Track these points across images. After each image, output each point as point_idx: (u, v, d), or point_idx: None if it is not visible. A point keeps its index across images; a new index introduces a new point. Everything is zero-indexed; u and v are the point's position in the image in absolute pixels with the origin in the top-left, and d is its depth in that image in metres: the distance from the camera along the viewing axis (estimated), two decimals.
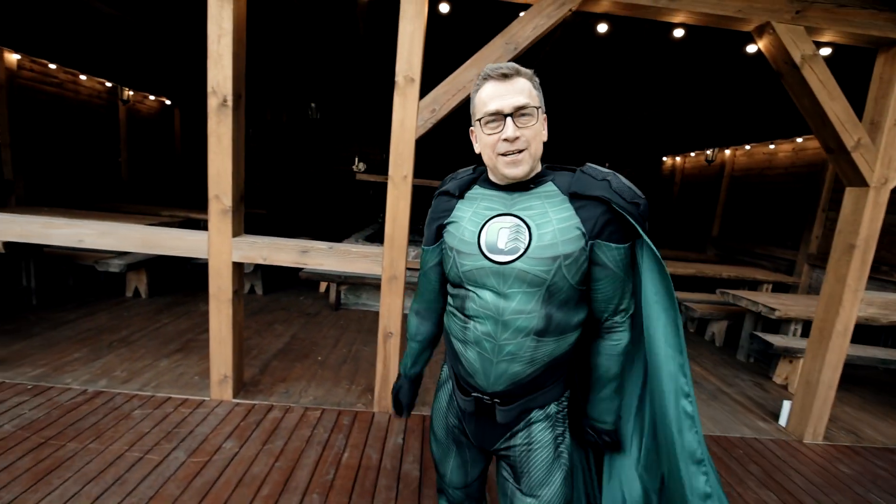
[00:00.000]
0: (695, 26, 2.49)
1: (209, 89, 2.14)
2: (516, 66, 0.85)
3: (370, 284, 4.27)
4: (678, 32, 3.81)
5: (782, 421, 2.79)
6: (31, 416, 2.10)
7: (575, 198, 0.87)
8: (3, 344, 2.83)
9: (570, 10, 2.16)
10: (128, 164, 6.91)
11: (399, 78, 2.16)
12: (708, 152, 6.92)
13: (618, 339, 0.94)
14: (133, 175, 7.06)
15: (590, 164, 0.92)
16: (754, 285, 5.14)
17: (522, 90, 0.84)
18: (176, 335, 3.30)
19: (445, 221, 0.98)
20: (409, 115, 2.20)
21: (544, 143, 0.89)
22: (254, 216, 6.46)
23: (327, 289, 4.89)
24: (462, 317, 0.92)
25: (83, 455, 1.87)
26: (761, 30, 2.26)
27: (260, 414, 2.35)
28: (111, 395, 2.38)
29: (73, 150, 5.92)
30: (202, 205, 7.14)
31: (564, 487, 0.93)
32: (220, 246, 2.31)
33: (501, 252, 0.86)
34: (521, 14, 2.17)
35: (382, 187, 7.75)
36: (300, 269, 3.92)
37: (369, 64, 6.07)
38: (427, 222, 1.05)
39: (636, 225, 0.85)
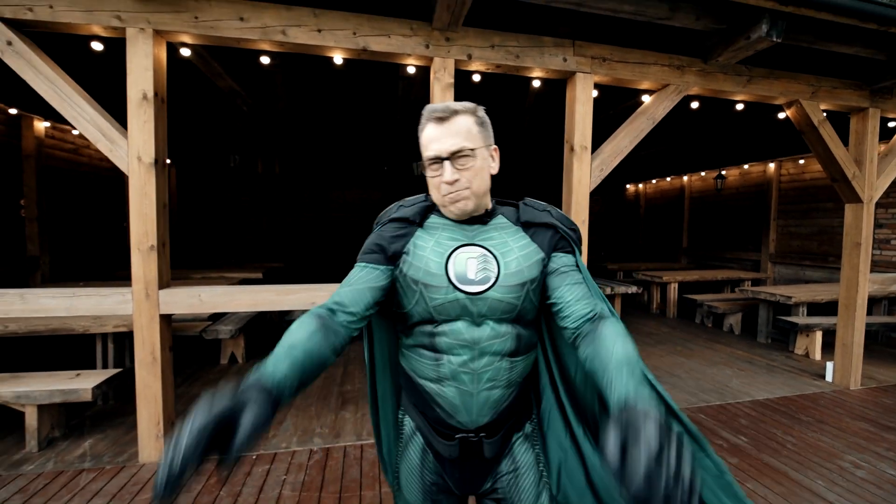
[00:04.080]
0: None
1: None
2: (453, 105, 0.85)
3: None
4: (694, 104, 4.91)
5: (828, 378, 3.74)
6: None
7: (527, 226, 0.93)
8: None
9: (684, 95, 2.99)
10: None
11: (576, 147, 2.78)
12: (668, 178, 8.45)
13: (610, 323, 0.80)
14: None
15: (529, 198, 0.99)
16: (737, 283, 6.43)
17: (459, 132, 0.83)
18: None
19: (402, 250, 0.90)
20: (584, 174, 2.81)
21: (493, 176, 0.90)
22: (272, 270, 6.39)
23: None
24: (432, 354, 0.88)
25: None
26: (790, 104, 3.30)
27: None
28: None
29: (89, 219, 5.49)
30: (215, 263, 6.91)
31: (550, 496, 0.97)
32: None
33: (472, 283, 0.85)
34: (651, 97, 2.96)
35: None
36: None
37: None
38: (373, 245, 0.91)
39: (575, 246, 0.94)
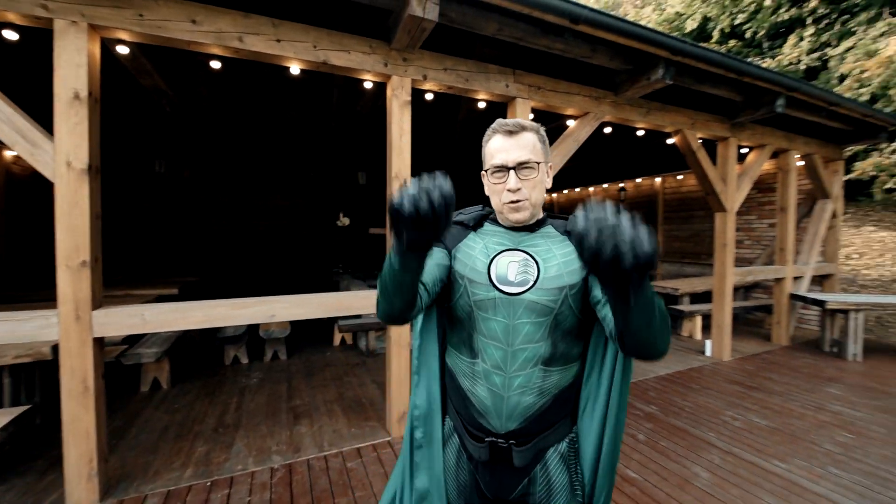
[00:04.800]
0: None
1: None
2: (523, 122, 0.92)
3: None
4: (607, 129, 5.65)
5: (708, 353, 4.63)
6: None
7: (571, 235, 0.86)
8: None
9: (601, 121, 3.52)
10: (4, 238, 5.34)
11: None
12: (577, 189, 9.51)
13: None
14: (9, 251, 5.45)
15: (563, 216, 1.02)
16: None
17: (526, 146, 0.90)
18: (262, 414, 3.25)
19: (455, 246, 0.99)
20: None
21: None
22: (187, 285, 5.78)
23: (342, 339, 5.05)
24: (470, 352, 0.93)
25: None
26: (676, 132, 4.06)
27: None
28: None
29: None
30: (124, 280, 6.10)
31: None
32: None
33: (511, 283, 0.90)
34: (575, 122, 3.43)
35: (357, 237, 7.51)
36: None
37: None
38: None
39: None
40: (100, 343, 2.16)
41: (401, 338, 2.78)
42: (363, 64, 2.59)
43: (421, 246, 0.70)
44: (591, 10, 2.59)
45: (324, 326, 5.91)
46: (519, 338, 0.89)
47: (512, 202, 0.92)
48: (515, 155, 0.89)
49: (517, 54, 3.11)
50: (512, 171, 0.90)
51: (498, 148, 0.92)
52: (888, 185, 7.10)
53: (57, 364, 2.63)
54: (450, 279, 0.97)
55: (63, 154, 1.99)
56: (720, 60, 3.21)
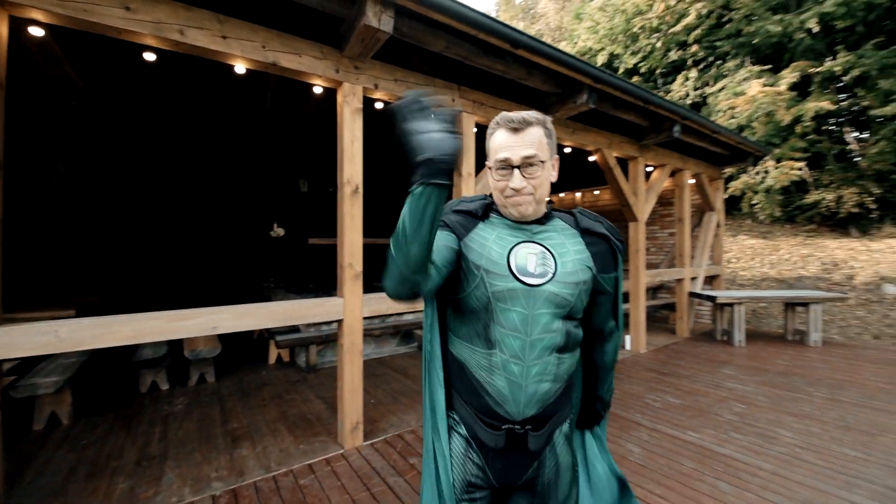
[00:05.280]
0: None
1: None
2: (528, 117, 0.90)
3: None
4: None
5: (628, 346, 5.17)
6: None
7: (585, 233, 1.00)
8: None
9: None
10: None
11: (464, 173, 3.28)
12: None
13: (617, 337, 1.12)
14: None
15: (582, 208, 1.07)
16: None
17: (532, 142, 0.89)
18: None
19: (466, 235, 0.97)
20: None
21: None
22: (87, 305, 5.00)
23: (278, 357, 4.76)
24: (486, 343, 0.92)
25: None
26: (597, 151, 4.57)
27: None
28: None
29: None
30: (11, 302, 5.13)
31: (576, 497, 1.04)
32: (353, 306, 2.72)
33: (532, 275, 0.91)
34: None
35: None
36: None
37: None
38: (442, 223, 0.98)
39: (621, 258, 1.04)
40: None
41: (353, 345, 2.73)
42: (314, 68, 2.57)
43: (448, 172, 0.73)
44: (530, 37, 2.87)
45: (255, 345, 5.50)
46: (538, 328, 0.90)
47: (515, 198, 0.93)
48: (520, 152, 0.89)
49: (462, 72, 3.30)
50: (516, 170, 0.90)
51: (502, 144, 0.91)
52: (754, 201, 8.61)
53: None
54: (460, 269, 0.95)
55: None
56: (632, 90, 3.72)
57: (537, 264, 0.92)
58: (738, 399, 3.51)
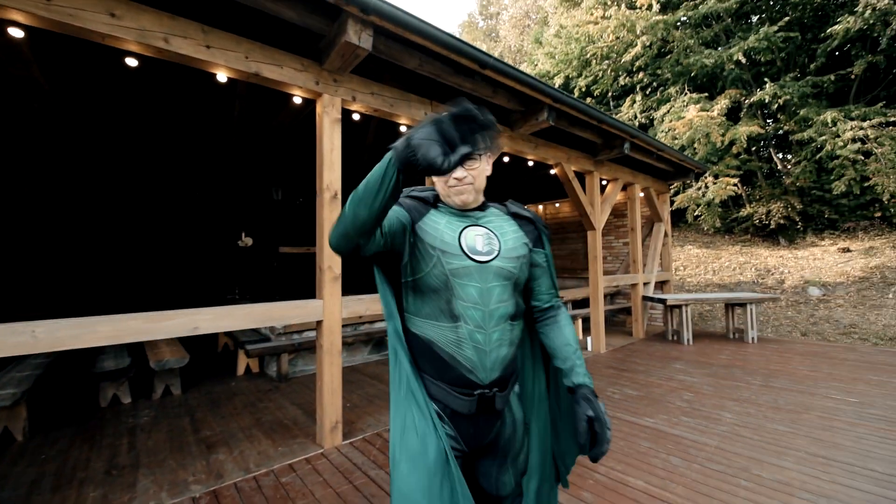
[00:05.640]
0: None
1: None
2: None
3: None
4: (506, 158, 6.48)
5: (589, 347, 5.50)
6: None
7: (516, 217, 1.20)
8: None
9: (501, 151, 4.12)
10: None
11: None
12: None
13: (564, 313, 1.22)
14: None
15: (511, 200, 1.25)
16: None
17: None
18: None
19: (419, 219, 1.09)
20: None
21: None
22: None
23: (247, 367, 4.67)
24: (450, 319, 1.03)
25: None
26: (557, 164, 4.93)
27: None
28: None
29: None
30: None
31: (528, 447, 1.18)
32: (331, 307, 2.80)
33: (481, 253, 1.06)
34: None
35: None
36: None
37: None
38: (401, 205, 1.11)
39: (547, 241, 1.22)
40: None
41: (332, 346, 2.81)
42: (295, 80, 2.70)
43: (413, 171, 0.82)
44: (496, 59, 3.15)
45: (221, 357, 5.35)
46: (493, 299, 1.04)
47: (456, 186, 1.07)
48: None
49: (434, 88, 3.53)
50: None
51: None
52: (697, 213, 9.41)
53: None
54: (416, 250, 1.06)
55: None
56: (586, 110, 4.11)
57: (484, 244, 1.07)
58: (687, 389, 3.86)
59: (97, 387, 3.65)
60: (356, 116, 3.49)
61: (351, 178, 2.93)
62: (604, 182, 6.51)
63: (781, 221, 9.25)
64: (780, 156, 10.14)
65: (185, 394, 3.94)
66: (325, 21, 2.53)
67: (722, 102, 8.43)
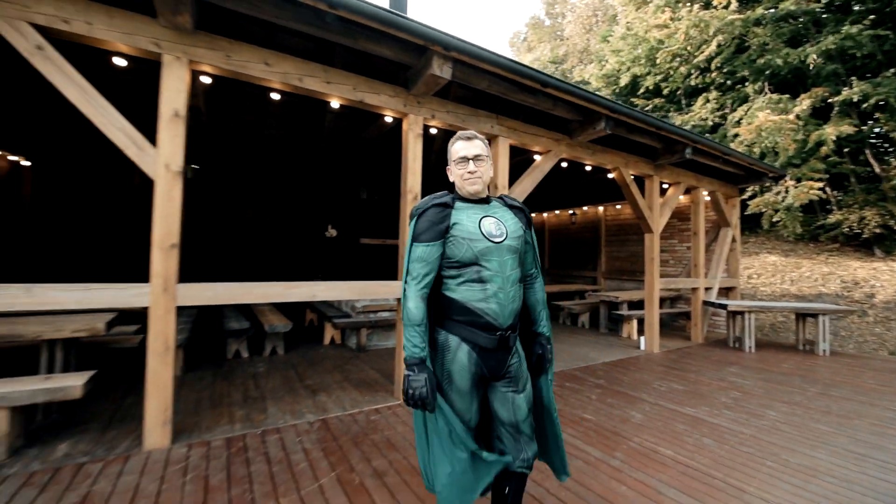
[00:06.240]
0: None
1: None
2: (472, 133, 1.52)
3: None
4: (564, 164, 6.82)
5: (642, 347, 5.66)
6: None
7: (511, 208, 1.61)
8: None
9: (560, 157, 4.52)
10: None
11: (498, 185, 3.98)
12: (533, 214, 10.69)
13: (540, 281, 1.68)
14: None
15: (504, 194, 1.72)
16: (583, 293, 8.64)
17: (478, 146, 1.49)
18: None
19: (450, 223, 1.46)
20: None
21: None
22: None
23: (331, 339, 5.53)
24: (480, 284, 1.43)
25: None
26: (615, 169, 5.18)
27: None
28: None
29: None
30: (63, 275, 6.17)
31: (530, 381, 1.63)
32: None
33: (495, 236, 1.45)
34: (540, 157, 4.40)
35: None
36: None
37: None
38: (428, 226, 1.45)
39: (530, 222, 1.65)
40: (180, 311, 2.63)
41: None
42: (388, 104, 3.36)
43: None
44: (555, 78, 3.58)
45: (308, 329, 6.31)
46: (507, 267, 1.46)
47: (469, 178, 1.49)
48: (473, 151, 1.49)
49: (500, 104, 4.04)
50: (471, 161, 1.49)
51: (460, 147, 1.51)
52: (776, 219, 8.89)
53: (78, 342, 3.04)
54: (450, 244, 1.46)
55: (163, 158, 2.54)
56: (643, 118, 4.35)
57: (496, 229, 1.48)
58: (737, 389, 3.99)
59: (224, 342, 4.67)
60: (433, 130, 4.10)
61: (424, 180, 3.57)
62: (665, 185, 6.55)
63: (877, 230, 8.44)
64: (880, 158, 9.18)
65: (286, 354, 4.86)
66: (414, 56, 3.14)
67: (805, 102, 7.87)
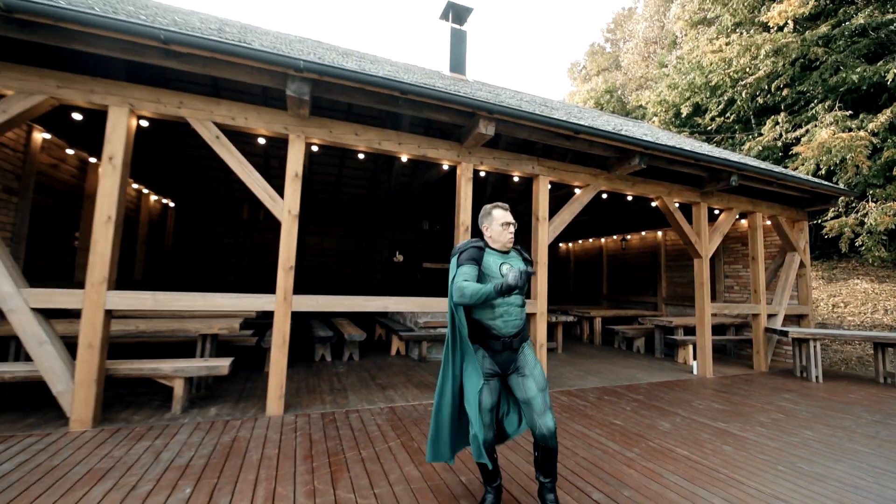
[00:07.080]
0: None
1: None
2: (507, 206, 2.21)
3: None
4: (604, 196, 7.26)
5: (695, 371, 5.72)
6: None
7: (524, 259, 2.22)
8: None
9: (599, 190, 5.03)
10: (144, 263, 7.09)
11: (539, 217, 4.60)
12: (590, 240, 10.91)
13: (523, 301, 2.18)
14: (145, 274, 7.18)
15: (520, 247, 2.30)
16: (641, 318, 8.65)
17: (510, 216, 2.16)
18: None
19: (482, 259, 2.08)
20: (544, 235, 4.61)
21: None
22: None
23: (397, 350, 6.38)
24: (492, 309, 2.04)
25: None
26: (657, 198, 5.51)
27: None
28: None
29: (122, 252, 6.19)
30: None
31: (541, 370, 2.12)
32: None
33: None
34: (580, 191, 4.95)
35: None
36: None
37: None
38: (469, 256, 2.05)
39: (529, 265, 2.21)
40: (294, 316, 3.62)
41: None
42: (445, 156, 4.22)
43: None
44: (587, 127, 4.19)
45: (377, 342, 7.26)
46: (512, 298, 2.09)
47: (510, 237, 2.16)
48: (511, 219, 2.17)
49: (539, 148, 4.71)
50: (511, 225, 2.16)
51: (503, 215, 2.17)
52: (858, 242, 8.25)
53: (217, 338, 4.11)
54: (481, 277, 2.09)
55: (287, 206, 3.59)
56: (679, 152, 4.73)
57: (508, 271, 2.08)
58: (782, 412, 4.05)
59: (312, 347, 5.72)
60: (482, 174, 4.88)
61: (475, 215, 4.39)
62: (716, 211, 6.62)
63: None
64: None
65: (361, 360, 5.78)
66: (465, 119, 3.98)
67: (881, 118, 7.38)
